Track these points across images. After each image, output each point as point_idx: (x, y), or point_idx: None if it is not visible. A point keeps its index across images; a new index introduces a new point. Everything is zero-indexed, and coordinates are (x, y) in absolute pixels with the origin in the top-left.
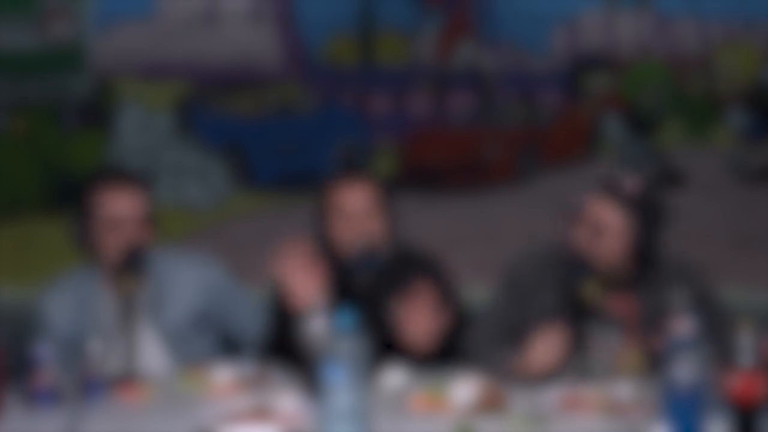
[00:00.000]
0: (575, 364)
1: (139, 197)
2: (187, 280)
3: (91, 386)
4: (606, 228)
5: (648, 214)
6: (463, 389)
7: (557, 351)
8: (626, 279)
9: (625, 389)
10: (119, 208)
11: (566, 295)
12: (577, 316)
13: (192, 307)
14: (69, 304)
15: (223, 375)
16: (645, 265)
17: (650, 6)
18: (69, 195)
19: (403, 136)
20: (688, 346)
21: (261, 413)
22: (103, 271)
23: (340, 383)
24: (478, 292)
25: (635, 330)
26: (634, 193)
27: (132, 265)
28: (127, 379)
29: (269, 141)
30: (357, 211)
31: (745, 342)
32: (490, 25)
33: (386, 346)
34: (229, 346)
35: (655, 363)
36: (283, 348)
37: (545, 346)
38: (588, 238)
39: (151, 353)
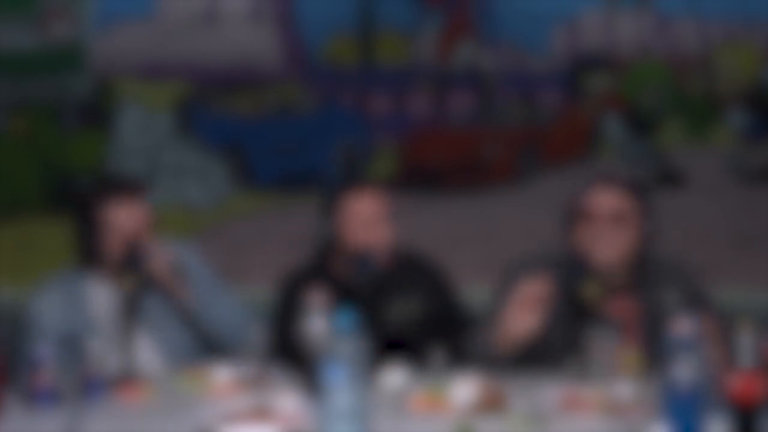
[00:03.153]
0: (574, 365)
1: (143, 206)
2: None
3: (91, 386)
4: (624, 214)
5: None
6: (463, 389)
7: (534, 315)
8: (624, 280)
9: (625, 389)
10: (129, 222)
11: (565, 298)
12: (577, 318)
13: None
14: (60, 304)
15: (223, 375)
16: (642, 266)
17: (650, 6)
18: (69, 195)
19: (403, 136)
20: (688, 346)
21: (261, 413)
22: (101, 271)
23: (340, 383)
24: (478, 292)
25: (634, 332)
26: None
27: (132, 264)
28: (127, 379)
29: (269, 141)
30: (371, 218)
31: (745, 342)
32: (490, 25)
33: (386, 346)
34: (211, 347)
35: (653, 365)
36: (286, 345)
37: (522, 311)
38: (606, 232)
39: (147, 351)
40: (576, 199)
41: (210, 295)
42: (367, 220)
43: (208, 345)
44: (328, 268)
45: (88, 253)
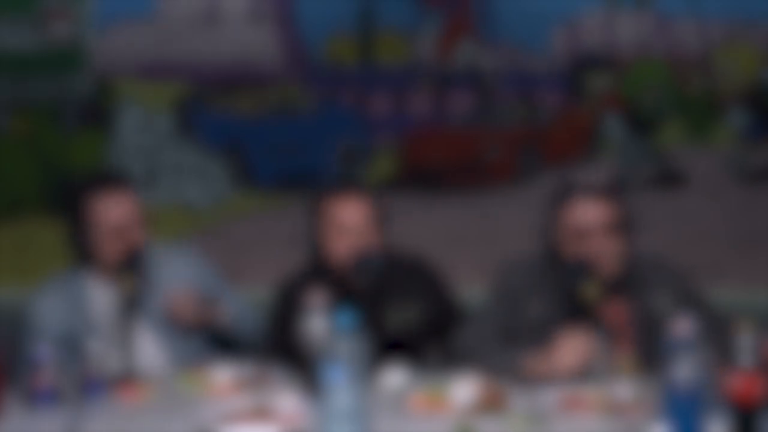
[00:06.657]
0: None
1: (131, 201)
2: (174, 271)
3: (91, 386)
4: (614, 221)
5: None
6: (463, 389)
7: (583, 353)
8: (617, 284)
9: (625, 389)
10: (116, 215)
11: (561, 300)
12: (575, 319)
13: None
14: (60, 305)
15: (223, 375)
16: (632, 268)
17: (650, 6)
18: (60, 195)
19: (403, 136)
20: (687, 346)
21: (261, 413)
22: (100, 271)
23: (340, 383)
24: (478, 292)
25: (628, 336)
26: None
27: (131, 265)
28: (126, 379)
29: (269, 141)
30: (354, 225)
31: (745, 342)
32: (490, 25)
33: (385, 348)
34: (220, 345)
35: (648, 368)
36: (284, 348)
37: (571, 348)
38: (603, 245)
39: (148, 351)
40: (559, 210)
41: (222, 300)
42: (350, 230)
43: (222, 345)
44: (326, 272)
45: (82, 251)
